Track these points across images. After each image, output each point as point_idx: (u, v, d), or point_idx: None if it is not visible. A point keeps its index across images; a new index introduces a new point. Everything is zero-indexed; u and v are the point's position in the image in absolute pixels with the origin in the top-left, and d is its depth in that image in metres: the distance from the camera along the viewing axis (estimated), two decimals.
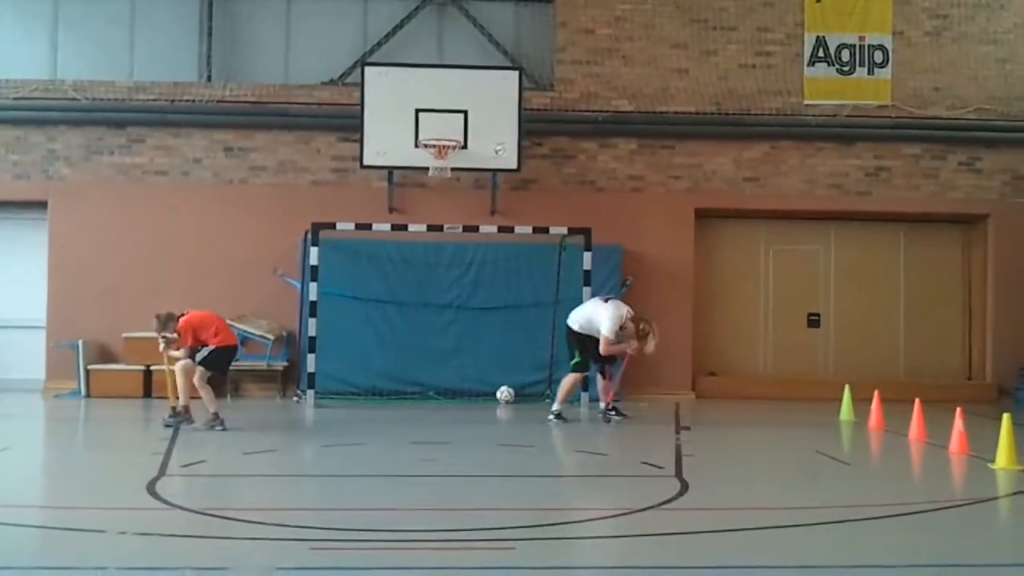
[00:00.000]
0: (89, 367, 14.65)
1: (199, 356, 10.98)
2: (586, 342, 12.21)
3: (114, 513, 6.85)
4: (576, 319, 12.37)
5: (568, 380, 12.39)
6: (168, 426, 10.93)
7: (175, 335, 11.05)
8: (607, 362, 12.36)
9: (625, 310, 12.16)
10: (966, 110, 16.36)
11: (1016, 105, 16.38)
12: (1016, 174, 16.44)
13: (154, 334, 11.39)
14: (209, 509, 6.80)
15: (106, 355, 15.08)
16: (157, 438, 10.23)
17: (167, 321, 11.10)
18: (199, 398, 11.00)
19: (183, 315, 11.08)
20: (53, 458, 10.20)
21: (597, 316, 12.12)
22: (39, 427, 12.53)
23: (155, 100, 15.60)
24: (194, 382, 10.98)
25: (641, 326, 12.04)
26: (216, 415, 10.93)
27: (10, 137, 15.51)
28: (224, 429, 10.81)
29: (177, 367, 11.06)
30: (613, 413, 12.33)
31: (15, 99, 15.41)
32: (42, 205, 15.48)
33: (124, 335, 14.64)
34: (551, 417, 12.21)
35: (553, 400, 12.67)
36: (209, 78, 15.85)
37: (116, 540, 6.05)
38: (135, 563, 5.60)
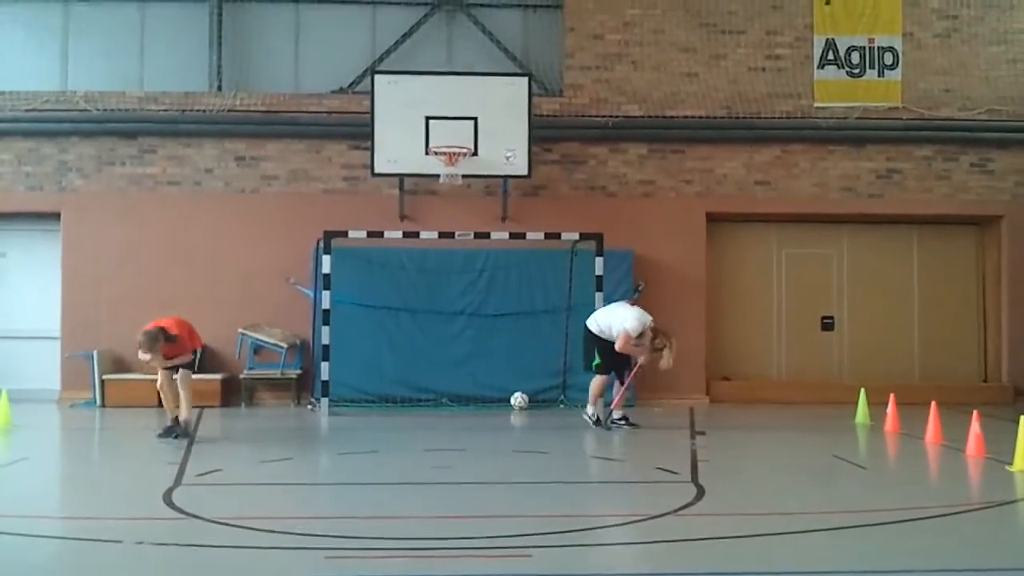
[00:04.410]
0: (104, 377, 14.69)
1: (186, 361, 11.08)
2: (604, 345, 12.20)
3: (131, 523, 6.87)
4: (596, 322, 12.40)
5: (596, 382, 12.38)
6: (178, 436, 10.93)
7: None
8: (622, 367, 12.33)
9: (650, 319, 12.17)
10: (977, 111, 16.30)
11: None
12: None
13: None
14: (225, 518, 6.80)
15: (120, 365, 15.11)
16: (172, 447, 10.27)
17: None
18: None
19: (161, 327, 10.77)
20: (70, 468, 10.23)
21: (620, 317, 12.12)
22: (55, 437, 12.54)
23: (166, 110, 15.65)
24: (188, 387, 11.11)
25: (658, 339, 12.05)
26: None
27: (23, 149, 15.56)
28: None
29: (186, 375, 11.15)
30: (623, 422, 12.32)
31: (27, 111, 15.44)
32: (55, 216, 15.53)
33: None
34: (588, 418, 12.38)
35: (585, 404, 12.66)
36: (219, 88, 15.89)
37: (133, 550, 6.06)
38: (152, 573, 5.62)
